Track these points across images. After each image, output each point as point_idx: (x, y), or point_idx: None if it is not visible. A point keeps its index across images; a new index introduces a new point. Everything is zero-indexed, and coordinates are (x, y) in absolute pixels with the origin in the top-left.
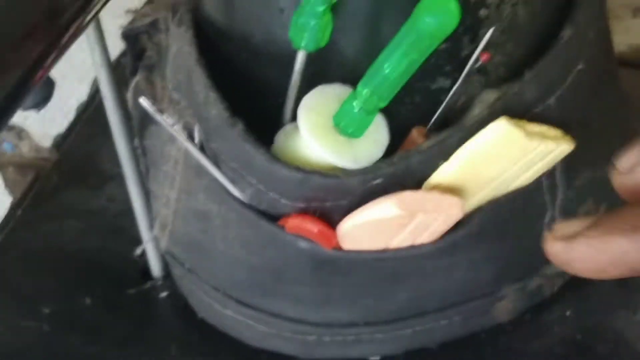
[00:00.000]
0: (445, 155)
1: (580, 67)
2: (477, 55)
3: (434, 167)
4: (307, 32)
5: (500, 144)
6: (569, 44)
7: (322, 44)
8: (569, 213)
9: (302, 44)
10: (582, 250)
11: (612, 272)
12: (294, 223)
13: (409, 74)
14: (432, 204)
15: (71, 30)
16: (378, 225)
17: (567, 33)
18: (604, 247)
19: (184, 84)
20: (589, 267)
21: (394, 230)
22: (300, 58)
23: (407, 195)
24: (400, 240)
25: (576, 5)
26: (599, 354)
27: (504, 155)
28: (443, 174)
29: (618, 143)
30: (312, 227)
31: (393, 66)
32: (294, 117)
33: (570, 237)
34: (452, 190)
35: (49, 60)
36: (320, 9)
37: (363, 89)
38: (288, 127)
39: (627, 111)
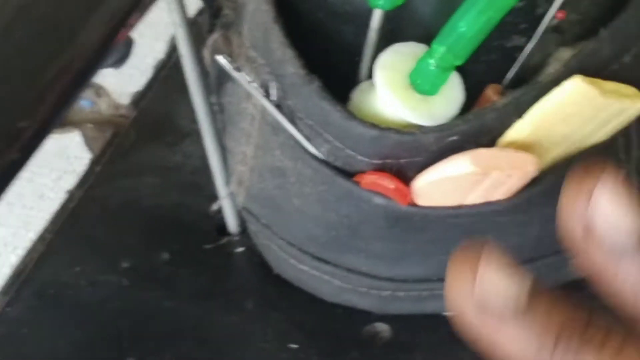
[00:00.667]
0: (520, 112)
1: None
2: (553, 13)
3: (508, 125)
4: None
5: (574, 102)
6: None
7: (399, 2)
8: None
9: (380, 3)
10: (483, 334)
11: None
12: (370, 179)
13: (485, 33)
14: (507, 161)
15: None
16: (453, 182)
17: None
18: (505, 350)
19: (261, 41)
20: (482, 348)
21: (469, 187)
22: (376, 16)
23: (482, 152)
24: (474, 197)
25: None
26: None
27: (579, 113)
28: (518, 131)
29: None
30: (388, 183)
31: (469, 24)
32: (370, 75)
33: (483, 310)
34: (526, 147)
35: (131, 19)
36: None
37: (439, 47)
38: (364, 85)
39: None
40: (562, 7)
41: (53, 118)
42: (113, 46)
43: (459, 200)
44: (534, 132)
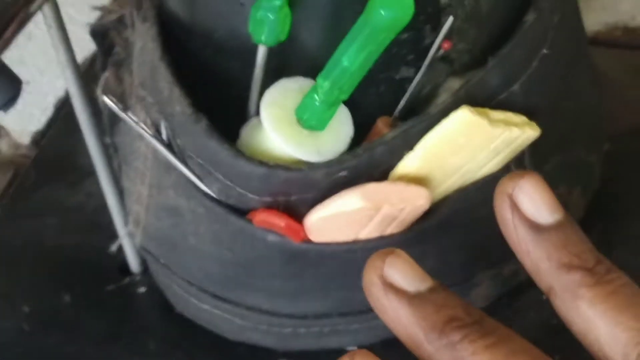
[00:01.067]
0: (410, 145)
1: (544, 51)
2: (439, 44)
3: (399, 158)
4: (266, 26)
5: (463, 132)
6: (532, 29)
7: (282, 38)
8: None
9: (262, 39)
10: (386, 306)
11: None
12: (261, 217)
13: (368, 66)
14: (397, 195)
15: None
16: (344, 218)
17: (530, 18)
18: (402, 324)
19: (149, 80)
20: (388, 323)
21: (361, 222)
22: (261, 52)
23: (372, 187)
24: (368, 231)
25: None
26: (575, 338)
27: (469, 143)
28: (408, 164)
29: (590, 125)
30: (278, 221)
31: (351, 59)
32: (258, 111)
33: (389, 287)
34: (418, 180)
35: None
36: (278, 2)
37: (323, 82)
38: (252, 121)
39: (600, 93)
40: (449, 37)
41: None
42: None
43: (353, 235)
44: (425, 164)
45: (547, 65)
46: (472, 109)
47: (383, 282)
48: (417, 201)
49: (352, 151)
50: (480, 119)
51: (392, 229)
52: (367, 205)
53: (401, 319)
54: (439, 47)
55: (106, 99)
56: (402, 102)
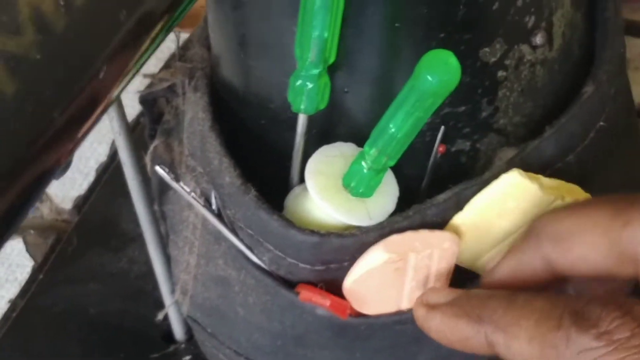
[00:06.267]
0: (461, 207)
1: (601, 123)
2: (436, 149)
3: (449, 220)
4: (304, 95)
5: (513, 195)
6: (590, 101)
7: (322, 106)
8: None
9: (302, 107)
10: (435, 324)
11: (462, 349)
12: (306, 296)
13: (415, 132)
14: (421, 242)
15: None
16: (377, 276)
17: (588, 90)
18: (451, 329)
19: (199, 150)
20: (441, 340)
21: (396, 279)
22: (301, 121)
23: (394, 238)
24: (409, 294)
25: (597, 61)
26: None
27: (518, 207)
28: (457, 224)
29: None
30: (323, 301)
31: (398, 125)
32: (301, 180)
33: (430, 308)
34: (465, 242)
35: (77, 138)
36: (316, 71)
37: (370, 149)
38: (297, 190)
39: None
40: (506, 110)
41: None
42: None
43: (395, 297)
44: (473, 225)
45: (603, 136)
46: (523, 172)
47: (426, 306)
48: (442, 244)
49: (403, 213)
50: (530, 183)
51: (432, 283)
52: (392, 257)
53: (446, 321)
54: (436, 151)
55: (158, 169)
56: (425, 180)
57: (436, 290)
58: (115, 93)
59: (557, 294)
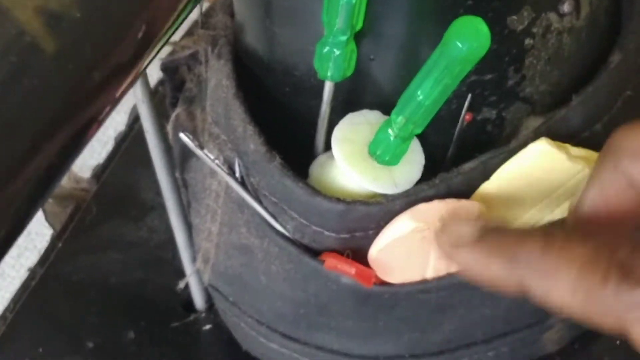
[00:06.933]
0: (487, 176)
1: (628, 92)
2: (463, 117)
3: (476, 189)
4: (331, 62)
5: (541, 165)
6: (617, 70)
7: (348, 73)
8: None
9: (328, 74)
10: (463, 259)
11: (490, 287)
12: (331, 264)
13: (443, 100)
14: (448, 211)
15: (137, 67)
16: (403, 246)
17: (615, 59)
18: (481, 267)
19: (223, 117)
20: (467, 275)
21: (421, 249)
22: (327, 88)
23: (421, 207)
24: (434, 262)
25: (624, 31)
26: None
27: (546, 177)
28: (483, 193)
29: None
30: (348, 269)
31: (426, 93)
32: (327, 147)
33: (458, 242)
34: (493, 211)
35: (103, 114)
36: (344, 38)
37: (397, 117)
38: (322, 158)
39: None
40: (533, 79)
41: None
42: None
43: (420, 267)
44: (500, 195)
45: (630, 106)
46: (551, 141)
47: (452, 244)
48: (468, 214)
49: (429, 181)
50: (559, 152)
51: None
52: (419, 225)
53: (478, 259)
54: (463, 120)
55: (182, 136)
56: (452, 149)
57: (464, 221)
58: (151, 54)
59: (595, 236)
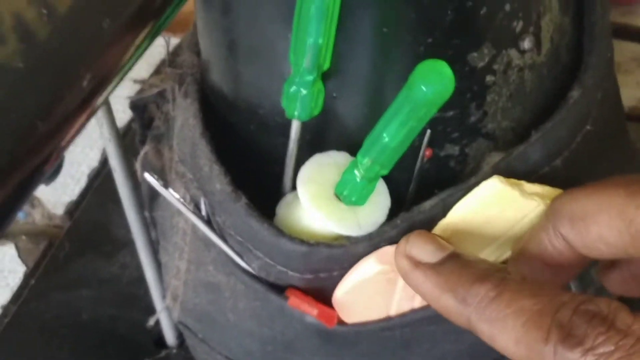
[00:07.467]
0: (447, 213)
1: (588, 127)
2: (423, 153)
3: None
4: (298, 101)
5: (495, 202)
6: (576, 105)
7: (315, 112)
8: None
9: (295, 114)
10: (417, 284)
11: (443, 315)
12: (294, 302)
13: (409, 141)
14: None
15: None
16: (368, 288)
17: (574, 94)
18: (434, 297)
19: (189, 156)
20: (422, 296)
21: (386, 291)
22: (294, 127)
23: (386, 249)
24: (398, 302)
25: (584, 66)
26: None
27: (501, 214)
28: (441, 230)
29: None
30: (310, 309)
31: (392, 135)
32: (293, 187)
33: (415, 265)
34: None
35: (61, 146)
36: (310, 78)
37: (363, 158)
38: (289, 197)
39: (636, 167)
40: (495, 115)
41: None
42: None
43: (384, 308)
44: (457, 232)
45: (590, 140)
46: (503, 179)
47: (410, 261)
48: None
49: (391, 222)
50: (511, 189)
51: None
52: (384, 268)
53: (430, 288)
54: (423, 155)
55: (147, 176)
56: (413, 185)
57: (423, 240)
58: (99, 101)
59: (543, 290)
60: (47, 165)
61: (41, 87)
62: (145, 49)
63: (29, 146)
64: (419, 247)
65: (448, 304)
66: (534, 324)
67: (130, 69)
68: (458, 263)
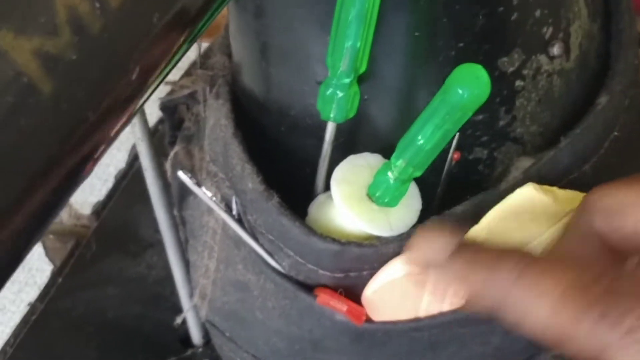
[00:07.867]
0: (478, 220)
1: (615, 133)
2: (451, 156)
3: (466, 232)
4: (334, 103)
5: (528, 208)
6: (604, 111)
7: (351, 114)
8: None
9: (331, 116)
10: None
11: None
12: (324, 300)
13: (443, 144)
14: None
15: (133, 107)
16: (397, 288)
17: (602, 101)
18: (458, 280)
19: (221, 156)
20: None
21: (414, 291)
22: (329, 129)
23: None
24: (427, 303)
25: (611, 73)
26: None
27: (534, 220)
28: (473, 236)
29: None
30: (340, 306)
31: (427, 137)
32: (326, 187)
33: (432, 254)
34: None
35: (99, 152)
36: (347, 80)
37: (397, 160)
38: (321, 198)
39: None
40: (524, 119)
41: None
42: (81, 180)
43: (413, 308)
44: (490, 238)
45: (618, 147)
46: (537, 186)
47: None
48: None
49: (422, 224)
50: (545, 196)
51: (450, 297)
52: (412, 270)
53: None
54: (451, 158)
55: (180, 174)
56: (440, 187)
57: (439, 233)
58: (146, 94)
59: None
60: (96, 155)
61: (92, 79)
62: (190, 45)
63: (79, 135)
64: (426, 251)
65: (472, 284)
66: (573, 292)
67: (175, 65)
68: (476, 247)
